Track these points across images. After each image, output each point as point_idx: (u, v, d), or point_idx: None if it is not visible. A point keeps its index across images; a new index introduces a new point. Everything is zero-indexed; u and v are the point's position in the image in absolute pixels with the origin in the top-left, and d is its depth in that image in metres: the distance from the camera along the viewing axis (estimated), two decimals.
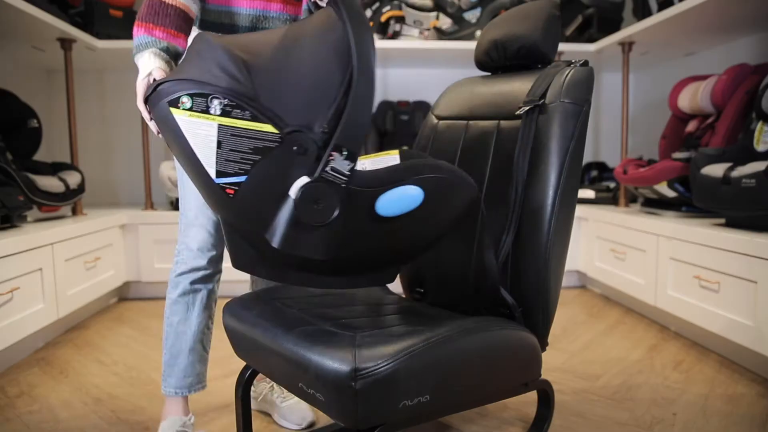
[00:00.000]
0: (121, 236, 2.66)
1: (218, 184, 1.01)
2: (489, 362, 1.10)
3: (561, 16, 2.27)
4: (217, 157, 0.99)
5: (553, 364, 1.88)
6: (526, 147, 1.23)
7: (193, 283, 1.34)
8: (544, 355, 1.26)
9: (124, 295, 2.83)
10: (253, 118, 0.97)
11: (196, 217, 1.32)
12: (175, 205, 2.86)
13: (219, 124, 0.97)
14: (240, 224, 1.06)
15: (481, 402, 1.18)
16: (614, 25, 2.98)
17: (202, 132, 0.98)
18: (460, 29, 2.97)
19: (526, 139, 1.24)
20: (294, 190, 0.98)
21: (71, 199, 2.44)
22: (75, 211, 2.62)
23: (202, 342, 1.38)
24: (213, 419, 1.52)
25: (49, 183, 2.29)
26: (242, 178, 1.00)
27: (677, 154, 2.33)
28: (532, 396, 1.56)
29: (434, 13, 3.07)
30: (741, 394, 1.63)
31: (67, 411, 1.58)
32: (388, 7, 3.00)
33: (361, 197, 1.00)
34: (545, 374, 1.77)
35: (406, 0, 3.05)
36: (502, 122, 1.34)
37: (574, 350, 2.01)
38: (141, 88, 1.08)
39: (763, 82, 2.05)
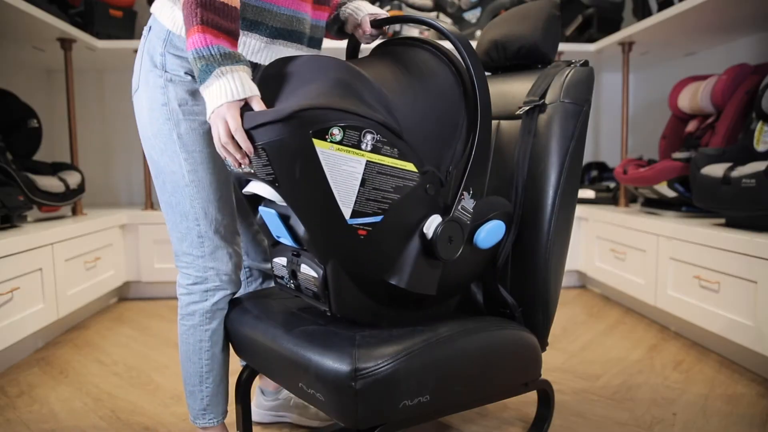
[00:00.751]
0: (121, 236, 2.66)
1: (351, 225, 0.94)
2: (489, 362, 1.10)
3: (561, 16, 2.27)
4: (357, 196, 0.93)
5: (553, 364, 1.88)
6: (526, 147, 1.23)
7: (227, 304, 1.22)
8: (544, 355, 1.26)
9: (124, 295, 2.83)
10: (401, 156, 0.95)
11: (226, 236, 1.17)
12: None
13: (367, 161, 0.92)
14: (359, 268, 1.00)
15: (481, 402, 1.18)
16: (614, 25, 2.98)
17: (347, 168, 0.91)
18: (460, 29, 2.97)
19: (526, 139, 1.24)
20: (430, 229, 1.00)
21: (71, 199, 2.44)
22: (75, 211, 2.62)
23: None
24: None
25: (49, 183, 2.29)
26: (378, 219, 0.96)
27: (677, 154, 2.33)
28: (532, 396, 1.56)
29: (434, 13, 3.07)
30: (741, 394, 1.63)
31: (67, 411, 1.58)
32: (388, 7, 3.00)
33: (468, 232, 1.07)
34: (545, 374, 1.77)
35: (406, 0, 3.05)
36: (503, 122, 1.34)
37: (574, 350, 2.01)
38: (235, 114, 0.90)
39: (763, 82, 2.05)
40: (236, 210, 1.25)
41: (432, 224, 1.00)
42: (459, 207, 1.02)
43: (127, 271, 2.72)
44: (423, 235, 1.01)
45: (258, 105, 0.92)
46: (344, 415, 0.95)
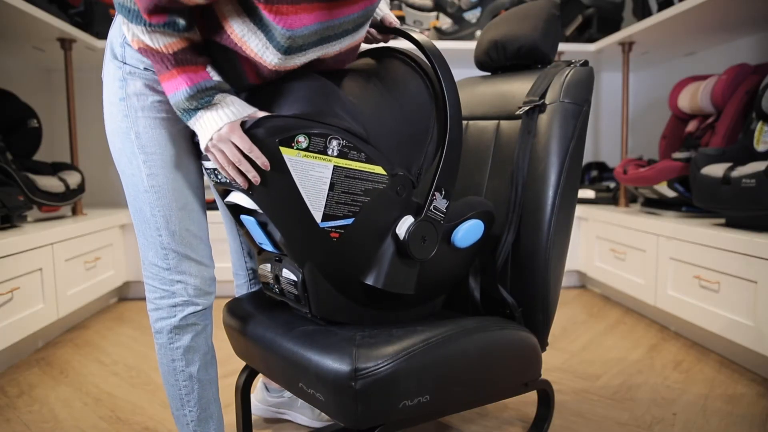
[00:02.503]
0: (121, 236, 2.66)
1: (323, 228, 0.98)
2: (489, 362, 1.10)
3: (561, 16, 2.27)
4: (327, 200, 0.97)
5: (553, 364, 1.88)
6: (526, 147, 1.23)
7: (203, 319, 1.11)
8: (544, 355, 1.26)
9: (124, 295, 2.83)
10: (368, 160, 0.99)
11: (192, 247, 1.07)
12: None
13: (334, 166, 0.96)
14: (334, 269, 1.03)
15: (481, 402, 1.18)
16: (614, 25, 2.98)
17: (315, 173, 0.95)
18: (460, 29, 2.97)
19: (526, 139, 1.24)
20: (402, 230, 1.03)
21: (71, 199, 2.44)
22: (75, 211, 2.62)
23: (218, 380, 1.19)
24: None
25: (49, 183, 2.29)
26: (349, 221, 1.00)
27: (677, 154, 2.33)
28: (532, 396, 1.56)
29: (434, 13, 3.07)
30: (741, 394, 1.63)
31: (67, 411, 1.58)
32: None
33: (444, 231, 1.09)
34: (545, 374, 1.77)
35: (406, 0, 3.05)
36: (502, 122, 1.34)
37: (574, 350, 2.01)
38: (242, 134, 0.91)
39: (763, 82, 2.05)
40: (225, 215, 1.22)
41: (404, 225, 1.03)
42: (431, 207, 1.04)
43: (127, 271, 2.72)
44: (396, 236, 1.04)
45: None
46: (344, 415, 0.95)
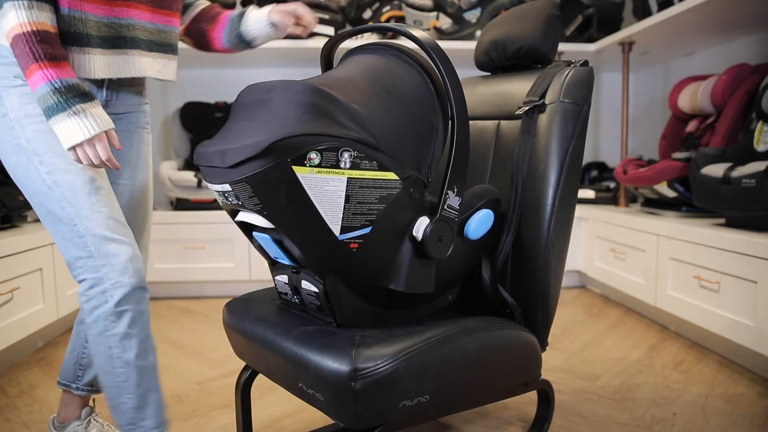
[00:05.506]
0: None
1: (342, 240, 0.98)
2: (489, 362, 1.10)
3: (561, 16, 2.27)
4: (344, 213, 0.96)
5: (553, 364, 1.88)
6: (525, 147, 1.24)
7: (137, 303, 1.10)
8: (544, 355, 1.26)
9: None
10: (380, 168, 0.98)
11: (109, 229, 1.08)
12: (175, 204, 2.86)
13: (348, 178, 0.95)
14: (357, 278, 1.03)
15: (481, 402, 1.19)
16: (614, 25, 2.98)
17: (330, 188, 0.94)
18: (460, 29, 2.97)
19: (526, 139, 1.24)
20: (420, 232, 1.03)
21: None
22: None
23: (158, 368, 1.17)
24: (213, 419, 1.52)
25: None
26: (367, 230, 0.99)
27: (677, 154, 2.33)
28: (532, 396, 1.56)
29: (434, 13, 3.07)
30: (741, 394, 1.63)
31: None
32: (388, 7, 3.00)
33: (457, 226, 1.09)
34: (545, 374, 1.77)
35: (406, 0, 3.05)
36: (502, 122, 1.34)
37: (574, 350, 2.01)
38: (103, 145, 1.02)
39: (763, 82, 2.05)
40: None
41: (421, 226, 1.03)
42: (445, 206, 1.04)
43: None
44: (413, 238, 1.04)
45: (112, 138, 1.04)
46: (344, 415, 0.95)
